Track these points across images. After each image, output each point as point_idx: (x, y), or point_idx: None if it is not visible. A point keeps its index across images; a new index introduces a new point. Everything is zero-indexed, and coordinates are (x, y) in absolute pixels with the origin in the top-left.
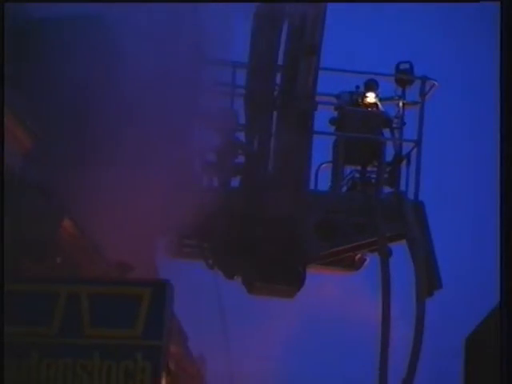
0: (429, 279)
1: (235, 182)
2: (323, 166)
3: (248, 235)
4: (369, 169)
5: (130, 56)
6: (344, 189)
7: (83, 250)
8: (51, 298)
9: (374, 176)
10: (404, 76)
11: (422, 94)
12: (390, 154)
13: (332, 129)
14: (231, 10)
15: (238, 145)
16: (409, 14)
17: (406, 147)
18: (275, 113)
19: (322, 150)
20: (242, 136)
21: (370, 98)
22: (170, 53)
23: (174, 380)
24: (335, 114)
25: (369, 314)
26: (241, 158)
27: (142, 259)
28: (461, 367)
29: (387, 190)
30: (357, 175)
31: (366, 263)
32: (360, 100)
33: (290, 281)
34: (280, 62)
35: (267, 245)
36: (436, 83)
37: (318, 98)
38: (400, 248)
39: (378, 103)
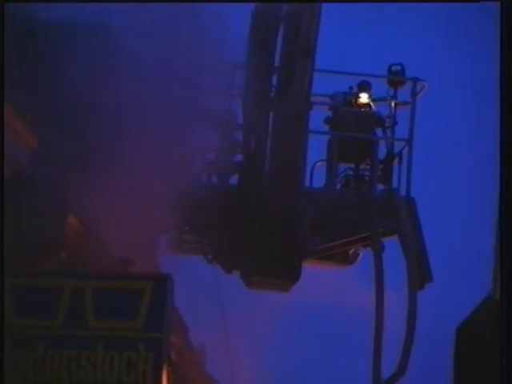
0: (420, 273)
1: (234, 179)
2: (318, 164)
3: (246, 231)
4: (362, 167)
5: (131, 57)
6: (338, 186)
7: (87, 246)
8: (57, 291)
9: (367, 174)
10: (396, 77)
11: (413, 94)
12: (382, 152)
13: (327, 128)
14: (230, 11)
15: (237, 144)
16: (408, 13)
17: (398, 146)
18: (272, 113)
19: (317, 148)
20: (240, 135)
21: (363, 98)
22: (170, 54)
23: (175, 370)
24: (330, 113)
25: (363, 306)
26: (239, 157)
27: (144, 254)
28: (451, 355)
29: (380, 187)
30: (350, 173)
31: (359, 258)
32: (353, 100)
33: (286, 275)
34: (276, 63)
35: (264, 240)
36: (426, 84)
37: (313, 99)
38: (392, 243)
39: (371, 103)
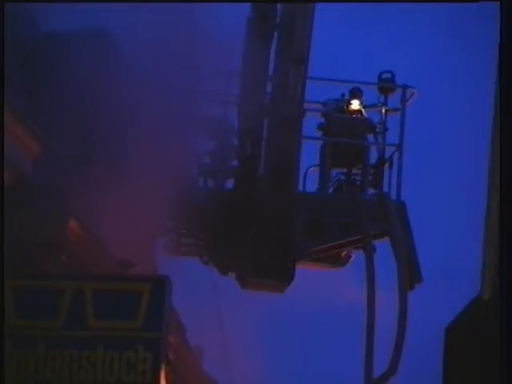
0: (410, 274)
1: (229, 184)
2: (311, 168)
3: (241, 234)
4: (354, 171)
5: (128, 63)
6: (331, 190)
7: (87, 248)
8: (58, 293)
9: (358, 178)
10: (386, 84)
11: (403, 101)
12: (373, 157)
13: (319, 134)
14: (226, 15)
15: (232, 148)
16: (408, 13)
17: (389, 151)
18: (266, 119)
19: (310, 154)
20: (235, 140)
21: (355, 105)
22: (167, 61)
23: (173, 369)
24: (322, 120)
25: (355, 307)
26: (234, 162)
27: (143, 257)
28: (440, 355)
29: (371, 191)
30: (343, 177)
31: (351, 259)
32: (345, 107)
33: (280, 277)
34: (270, 71)
35: (259, 243)
36: (416, 91)
37: (306, 105)
38: (383, 245)
39: (362, 110)
